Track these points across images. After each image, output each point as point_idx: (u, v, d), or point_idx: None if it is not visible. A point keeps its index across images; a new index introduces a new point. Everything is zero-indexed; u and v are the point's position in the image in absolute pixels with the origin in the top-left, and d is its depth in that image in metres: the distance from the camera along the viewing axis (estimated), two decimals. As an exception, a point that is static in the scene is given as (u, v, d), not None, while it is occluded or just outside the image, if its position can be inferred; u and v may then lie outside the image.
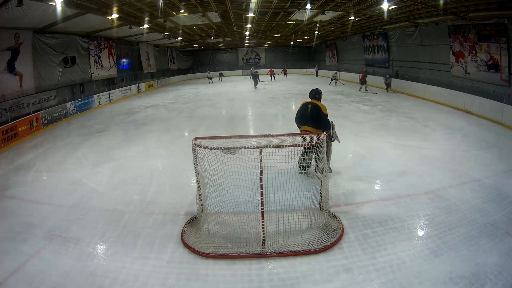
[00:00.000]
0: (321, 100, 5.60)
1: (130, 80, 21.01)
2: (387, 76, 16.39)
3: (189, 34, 22.73)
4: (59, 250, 3.74)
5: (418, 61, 16.04)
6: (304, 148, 4.68)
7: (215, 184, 4.04)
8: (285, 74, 28.93)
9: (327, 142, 5.18)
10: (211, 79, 27.63)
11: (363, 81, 16.81)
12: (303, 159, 5.05)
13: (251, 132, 9.11)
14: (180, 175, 5.95)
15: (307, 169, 5.14)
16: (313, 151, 4.43)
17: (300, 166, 5.13)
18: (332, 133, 5.36)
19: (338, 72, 21.83)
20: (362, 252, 3.52)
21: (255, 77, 21.50)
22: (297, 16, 16.82)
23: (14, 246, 3.84)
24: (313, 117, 5.29)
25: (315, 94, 5.57)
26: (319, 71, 29.32)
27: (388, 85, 16.27)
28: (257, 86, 21.12)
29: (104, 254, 3.70)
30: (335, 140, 5.44)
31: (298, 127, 5.53)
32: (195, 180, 4.18)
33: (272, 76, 26.35)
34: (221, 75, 29.90)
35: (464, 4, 10.63)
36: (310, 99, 5.57)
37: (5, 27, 10.25)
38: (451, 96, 12.10)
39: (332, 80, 20.68)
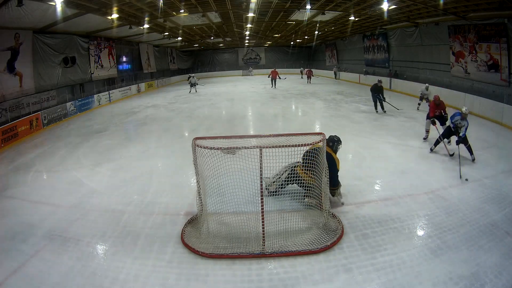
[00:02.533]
0: (337, 150, 4.71)
1: (130, 80, 21.00)
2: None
3: (189, 34, 22.72)
4: (59, 250, 3.74)
5: (418, 61, 16.03)
6: (291, 175, 4.35)
7: (215, 184, 4.04)
8: (309, 77, 22.83)
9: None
10: (194, 86, 19.61)
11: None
12: (282, 184, 4.57)
13: (251, 132, 9.11)
14: (180, 175, 5.95)
15: (275, 193, 4.76)
16: (293, 181, 4.26)
17: (268, 187, 4.70)
18: (337, 193, 4.64)
19: (428, 87, 11.13)
20: (362, 252, 3.52)
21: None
22: (297, 16, 16.82)
23: (14, 246, 3.84)
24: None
25: (329, 141, 4.61)
26: (339, 73, 25.07)
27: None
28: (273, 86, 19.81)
29: (104, 254, 3.70)
30: (339, 200, 4.65)
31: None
32: (195, 180, 4.18)
33: (274, 82, 20.19)
34: (190, 80, 20.05)
35: (464, 4, 10.64)
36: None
37: (5, 27, 10.25)
38: (451, 96, 12.10)
39: (421, 100, 11.28)
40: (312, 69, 24.56)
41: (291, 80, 24.96)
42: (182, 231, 3.99)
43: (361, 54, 22.44)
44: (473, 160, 6.13)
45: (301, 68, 28.46)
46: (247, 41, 29.59)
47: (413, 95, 14.70)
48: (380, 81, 11.47)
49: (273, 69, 21.49)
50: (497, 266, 3.20)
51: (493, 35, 10.64)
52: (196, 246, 3.66)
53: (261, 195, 3.62)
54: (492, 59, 10.87)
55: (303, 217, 4.05)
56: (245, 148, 3.61)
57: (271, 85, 20.50)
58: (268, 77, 21.14)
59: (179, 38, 22.81)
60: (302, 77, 25.34)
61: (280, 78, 20.64)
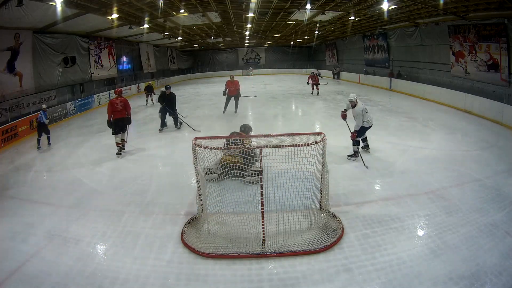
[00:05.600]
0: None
1: (130, 80, 21.01)
2: None
3: (189, 34, 22.74)
4: (59, 250, 3.74)
5: (418, 61, 16.04)
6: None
7: (215, 183, 4.03)
8: (315, 85, 16.24)
9: None
10: (151, 95, 15.13)
11: None
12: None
13: (251, 132, 9.09)
14: (180, 175, 5.94)
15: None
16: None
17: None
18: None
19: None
20: (362, 252, 3.52)
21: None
22: (297, 16, 16.83)
23: (14, 246, 3.84)
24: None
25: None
26: (341, 73, 23.39)
27: None
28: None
29: (104, 254, 3.70)
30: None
31: None
32: (195, 180, 4.18)
33: (234, 101, 11.56)
34: (149, 90, 14.97)
35: (464, 4, 10.64)
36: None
37: (5, 27, 10.25)
38: (451, 96, 12.11)
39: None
40: (316, 73, 17.30)
41: (291, 80, 24.95)
42: (182, 231, 3.99)
43: (361, 54, 22.44)
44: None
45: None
46: (247, 41, 29.60)
47: (413, 95, 14.73)
48: (168, 88, 9.16)
49: (229, 79, 11.49)
50: (497, 266, 3.20)
51: (493, 35, 10.64)
52: (196, 246, 3.66)
53: (261, 195, 3.62)
54: (492, 59, 10.87)
55: (303, 217, 4.04)
56: (245, 148, 3.61)
57: (224, 109, 11.72)
58: (224, 94, 11.50)
59: (179, 38, 22.84)
60: (313, 92, 16.62)
61: (240, 95, 11.76)
